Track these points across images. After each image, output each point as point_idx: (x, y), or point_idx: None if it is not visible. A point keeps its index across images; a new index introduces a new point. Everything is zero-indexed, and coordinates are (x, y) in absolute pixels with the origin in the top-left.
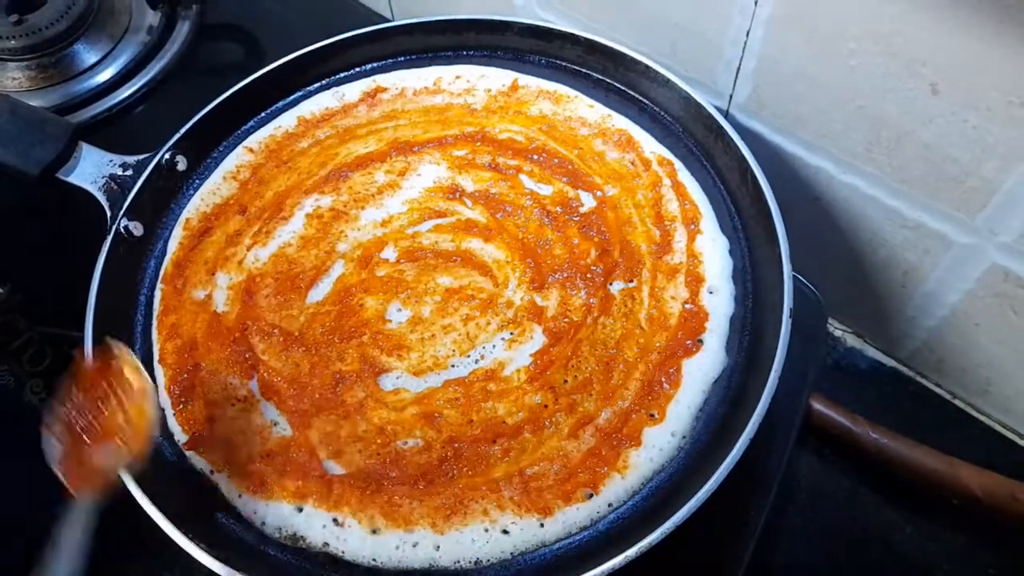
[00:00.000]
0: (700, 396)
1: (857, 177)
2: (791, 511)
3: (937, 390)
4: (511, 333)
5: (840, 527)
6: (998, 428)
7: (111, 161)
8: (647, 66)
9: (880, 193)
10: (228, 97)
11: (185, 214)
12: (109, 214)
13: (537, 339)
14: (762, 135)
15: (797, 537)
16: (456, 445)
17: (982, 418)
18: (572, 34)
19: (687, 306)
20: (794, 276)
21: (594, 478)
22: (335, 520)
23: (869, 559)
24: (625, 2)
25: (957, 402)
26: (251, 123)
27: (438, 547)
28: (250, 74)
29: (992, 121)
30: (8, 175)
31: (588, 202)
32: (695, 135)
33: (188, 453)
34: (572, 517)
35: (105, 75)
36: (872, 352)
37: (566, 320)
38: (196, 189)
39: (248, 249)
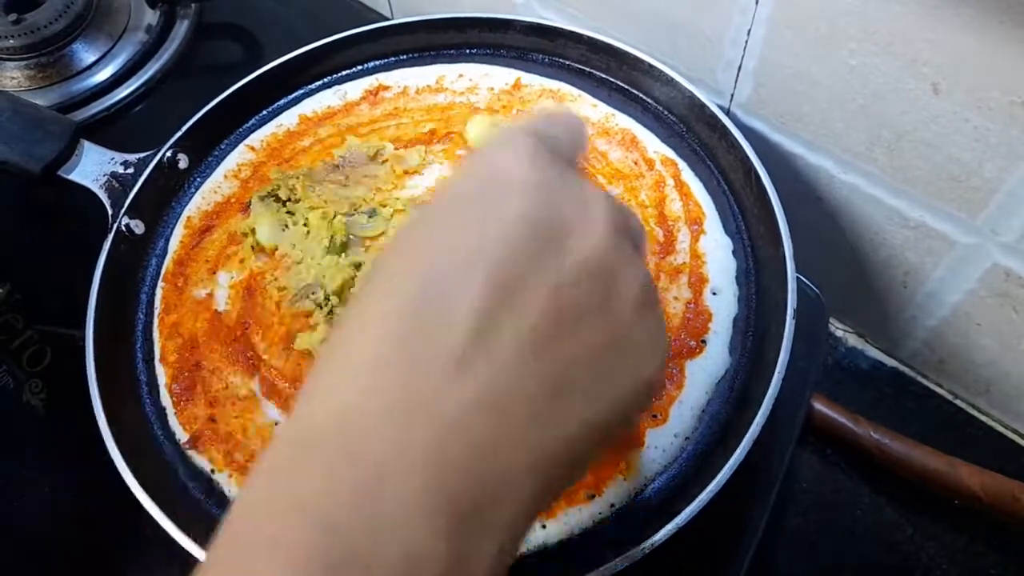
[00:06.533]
0: (703, 397)
1: (858, 176)
2: (792, 511)
3: (938, 390)
4: None
5: (841, 527)
6: (999, 428)
7: (112, 159)
8: (651, 65)
9: (881, 193)
10: (230, 95)
11: (186, 212)
12: (110, 212)
13: None
14: (764, 134)
15: (798, 537)
16: None
17: (983, 418)
18: (576, 33)
19: (690, 307)
20: (796, 276)
21: (596, 479)
22: None
23: (870, 559)
24: (625, 0)
25: (958, 402)
26: (252, 121)
27: None
28: (250, 73)
29: (994, 121)
30: (10, 173)
31: None
32: (699, 135)
33: (189, 452)
34: (574, 518)
35: (104, 74)
36: (873, 352)
37: None
38: (197, 187)
39: (250, 247)
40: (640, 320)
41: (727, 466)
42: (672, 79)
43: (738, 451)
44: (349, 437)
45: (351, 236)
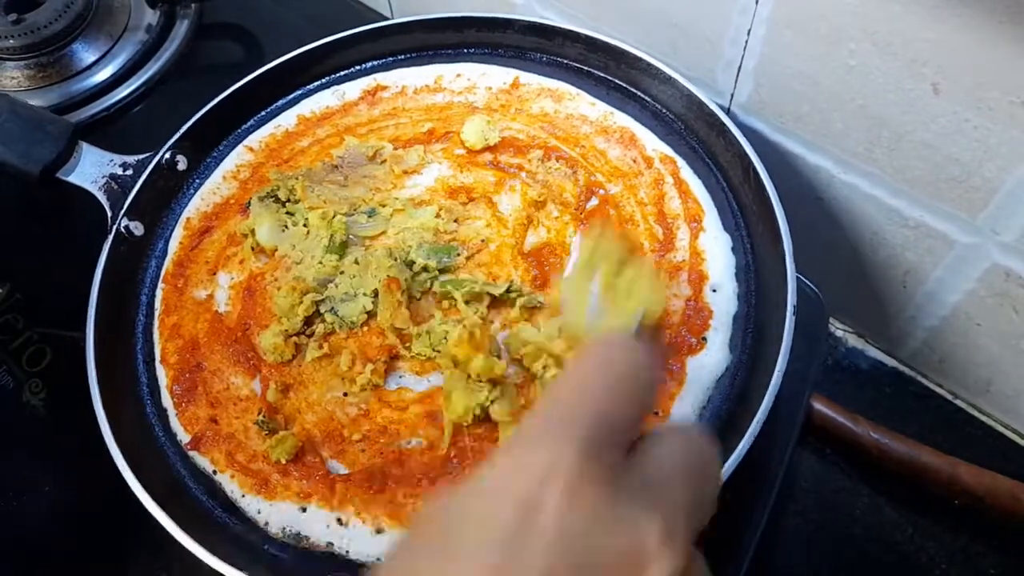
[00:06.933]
0: (703, 393)
1: (858, 177)
2: (792, 511)
3: (938, 390)
4: None
5: (840, 527)
6: (999, 428)
7: (111, 161)
8: (649, 63)
9: (881, 193)
10: (228, 96)
11: (186, 214)
12: (109, 214)
13: None
14: (763, 134)
15: (797, 536)
16: (459, 444)
17: (983, 418)
18: (573, 31)
19: (690, 304)
20: (796, 276)
21: None
22: (339, 520)
23: (869, 559)
24: (625, 1)
25: (958, 402)
26: (251, 122)
27: None
28: (249, 73)
29: (994, 121)
30: (8, 175)
31: (590, 200)
32: (697, 132)
33: (191, 453)
34: None
35: (104, 74)
36: (873, 352)
37: None
38: (196, 189)
39: (250, 248)
40: None
41: (728, 461)
42: (670, 77)
43: (739, 447)
44: None
45: (351, 236)
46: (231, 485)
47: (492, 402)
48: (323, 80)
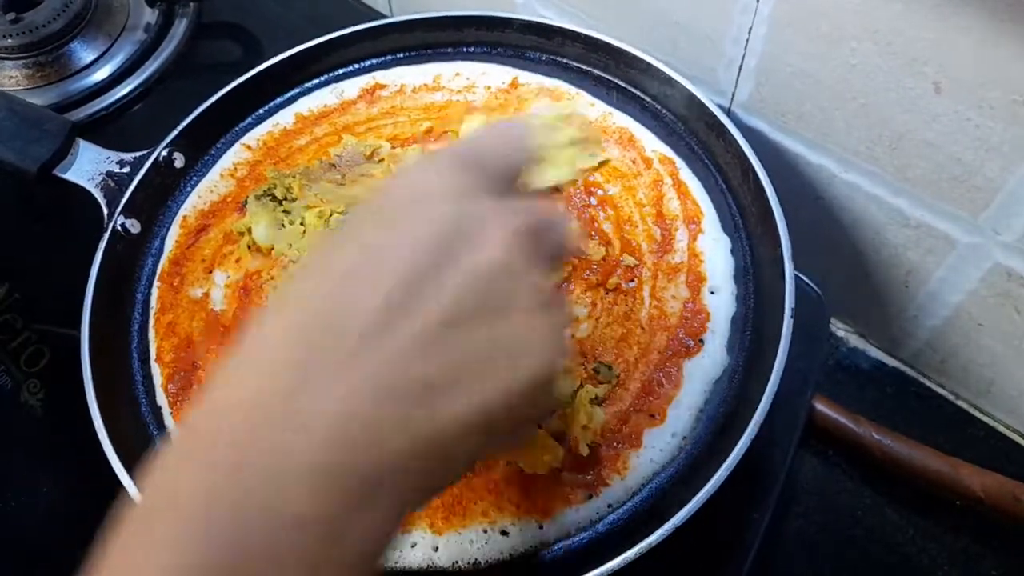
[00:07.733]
0: (701, 396)
1: (859, 176)
2: (793, 512)
3: (940, 390)
4: None
5: (842, 528)
6: (1001, 429)
7: (108, 158)
8: (649, 63)
9: (882, 192)
10: (226, 94)
11: (182, 212)
12: (106, 212)
13: None
14: (764, 133)
15: (799, 538)
16: None
17: (985, 419)
18: (573, 31)
19: (688, 306)
20: (796, 275)
21: (594, 479)
22: None
23: (871, 560)
24: (626, 0)
25: (960, 402)
26: (249, 120)
27: (436, 548)
28: (248, 71)
29: (996, 120)
30: (5, 172)
31: (588, 201)
32: (697, 133)
33: None
34: (571, 518)
35: (102, 73)
36: (875, 352)
37: None
38: (193, 187)
39: (247, 247)
40: (525, 328)
41: (724, 466)
42: (670, 77)
43: (735, 451)
44: (251, 419)
45: None
46: None
47: None
48: (322, 78)
